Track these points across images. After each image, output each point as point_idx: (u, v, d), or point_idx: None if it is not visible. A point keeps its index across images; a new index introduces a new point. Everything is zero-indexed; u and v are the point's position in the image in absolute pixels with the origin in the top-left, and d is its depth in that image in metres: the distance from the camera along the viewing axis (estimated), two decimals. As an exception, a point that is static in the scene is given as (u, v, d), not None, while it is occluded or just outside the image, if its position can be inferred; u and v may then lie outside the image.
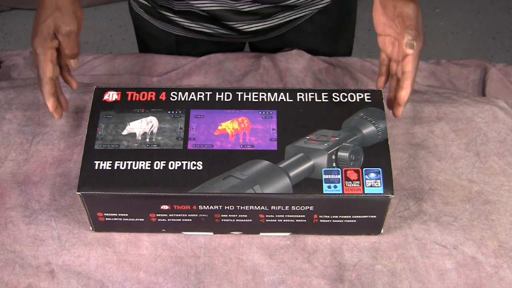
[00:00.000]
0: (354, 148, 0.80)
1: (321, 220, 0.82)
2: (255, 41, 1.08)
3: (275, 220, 0.82)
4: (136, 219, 0.82)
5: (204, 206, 0.79)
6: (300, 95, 0.85)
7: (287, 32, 1.07)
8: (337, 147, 0.80)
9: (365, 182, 0.78)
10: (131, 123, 0.82)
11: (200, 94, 0.85)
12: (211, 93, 0.85)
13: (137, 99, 0.84)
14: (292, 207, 0.79)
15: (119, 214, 0.82)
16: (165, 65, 1.08)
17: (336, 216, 0.81)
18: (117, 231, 0.85)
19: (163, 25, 1.05)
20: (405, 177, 0.90)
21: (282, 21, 1.02)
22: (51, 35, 0.82)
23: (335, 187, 0.78)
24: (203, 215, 0.81)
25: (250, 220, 0.82)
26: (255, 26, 1.01)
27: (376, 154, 0.80)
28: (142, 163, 0.79)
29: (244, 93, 0.85)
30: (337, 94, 0.85)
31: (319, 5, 1.03)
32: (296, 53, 1.08)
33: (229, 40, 1.06)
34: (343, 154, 0.79)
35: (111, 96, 0.85)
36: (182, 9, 0.99)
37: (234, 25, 1.00)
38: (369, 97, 0.84)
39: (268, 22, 1.01)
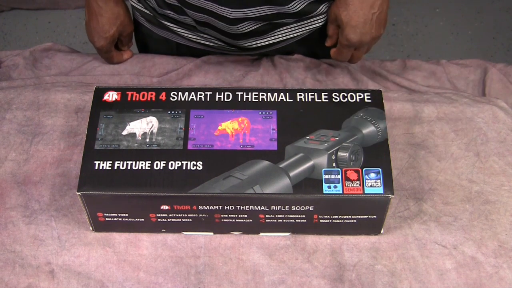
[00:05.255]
0: (354, 148, 0.80)
1: (321, 220, 0.82)
2: (255, 53, 1.08)
3: (275, 220, 0.82)
4: (136, 219, 0.82)
5: (204, 206, 0.79)
6: (300, 95, 0.85)
7: (287, 46, 1.06)
8: (337, 147, 0.80)
9: (365, 182, 0.78)
10: (131, 123, 0.82)
11: (200, 94, 0.85)
12: (211, 93, 0.85)
13: (137, 99, 0.84)
14: (292, 207, 0.79)
15: (119, 214, 0.82)
16: (165, 65, 1.08)
17: (336, 216, 0.81)
18: (117, 231, 0.85)
19: (164, 34, 1.06)
20: (405, 177, 0.90)
21: (280, 39, 1.02)
22: (116, 38, 1.04)
23: (335, 187, 0.78)
24: (203, 215, 0.81)
25: (250, 220, 0.82)
26: (254, 44, 1.01)
27: (376, 154, 0.80)
28: (142, 163, 0.79)
29: (244, 93, 0.85)
30: (337, 94, 0.85)
31: (312, 25, 1.02)
32: (296, 56, 1.08)
33: (227, 52, 1.06)
34: (343, 154, 0.79)
35: (111, 96, 0.85)
36: (183, 20, 1.00)
37: (232, 42, 1.00)
38: (369, 97, 0.84)
39: (266, 39, 1.01)
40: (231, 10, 0.92)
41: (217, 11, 0.93)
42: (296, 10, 0.94)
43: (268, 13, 0.94)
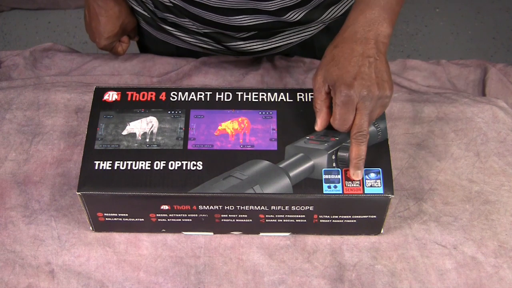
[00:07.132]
0: (354, 148, 0.79)
1: (321, 220, 0.82)
2: (255, 57, 1.08)
3: (275, 220, 0.82)
4: (136, 219, 0.82)
5: (204, 206, 0.79)
6: (300, 95, 0.85)
7: (287, 49, 1.06)
8: (337, 147, 0.80)
9: (365, 182, 0.78)
10: (131, 123, 0.82)
11: (200, 94, 0.85)
12: (211, 93, 0.85)
13: (137, 99, 0.84)
14: (292, 207, 0.79)
15: (119, 214, 0.82)
16: (165, 65, 1.08)
17: (336, 216, 0.81)
18: (117, 231, 0.85)
19: (163, 37, 1.06)
20: (405, 177, 0.90)
21: (280, 43, 1.02)
22: (119, 36, 1.05)
23: (335, 187, 0.78)
24: (203, 215, 0.81)
25: (250, 220, 0.82)
26: (255, 48, 1.01)
27: (376, 154, 0.80)
28: (142, 163, 0.79)
29: (244, 93, 0.85)
30: (337, 94, 0.85)
31: (312, 30, 1.02)
32: (296, 56, 1.08)
33: (228, 54, 1.07)
34: (343, 154, 0.79)
35: (111, 96, 0.85)
36: (183, 24, 1.00)
37: (231, 46, 1.00)
38: (369, 97, 0.84)
39: (267, 44, 1.01)
40: (229, 18, 0.92)
41: (216, 20, 0.93)
42: (295, 20, 0.94)
43: (267, 21, 0.94)
